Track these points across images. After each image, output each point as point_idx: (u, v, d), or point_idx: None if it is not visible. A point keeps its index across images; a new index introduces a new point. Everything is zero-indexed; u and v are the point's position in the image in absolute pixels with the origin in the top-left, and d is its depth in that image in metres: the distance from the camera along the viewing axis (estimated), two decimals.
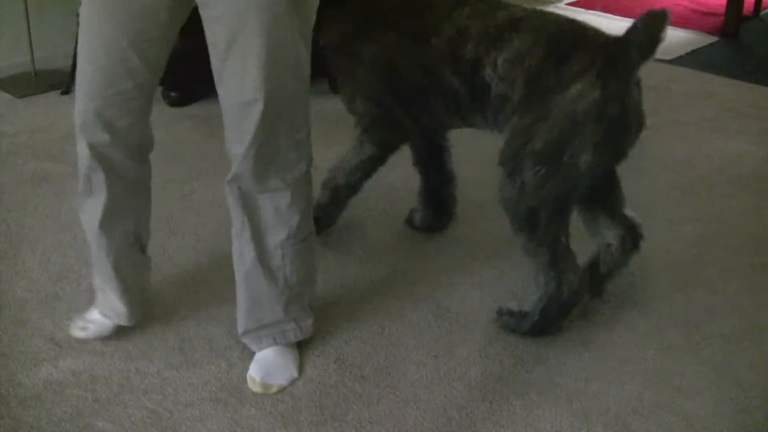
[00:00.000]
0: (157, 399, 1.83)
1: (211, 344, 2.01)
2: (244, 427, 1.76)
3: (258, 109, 1.67)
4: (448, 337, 2.06)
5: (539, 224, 1.91)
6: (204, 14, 1.67)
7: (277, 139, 1.72)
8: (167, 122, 3.22)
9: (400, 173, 2.60)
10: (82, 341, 1.99)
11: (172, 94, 3.39)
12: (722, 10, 4.72)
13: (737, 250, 2.48)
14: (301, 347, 1.99)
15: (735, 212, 2.70)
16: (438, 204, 2.48)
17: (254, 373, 1.89)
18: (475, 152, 3.09)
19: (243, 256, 1.84)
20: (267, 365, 1.90)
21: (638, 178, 2.89)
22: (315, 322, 2.03)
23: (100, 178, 1.79)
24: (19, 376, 1.88)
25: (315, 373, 1.92)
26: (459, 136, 3.21)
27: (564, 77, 1.80)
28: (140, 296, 2.01)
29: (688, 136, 3.30)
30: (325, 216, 2.34)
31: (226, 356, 1.97)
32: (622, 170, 2.90)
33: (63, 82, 3.64)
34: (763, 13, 5.03)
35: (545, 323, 2.02)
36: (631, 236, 2.14)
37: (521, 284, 2.27)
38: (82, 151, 1.78)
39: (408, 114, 2.17)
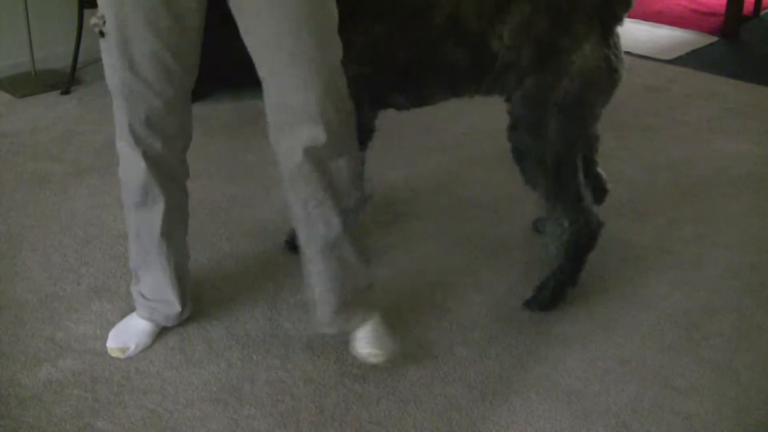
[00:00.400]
0: (157, 399, 1.83)
1: (211, 344, 2.01)
2: (244, 427, 1.76)
3: (321, 73, 1.69)
4: (448, 337, 2.06)
5: (565, 167, 2.07)
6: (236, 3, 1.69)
7: (340, 103, 1.76)
8: None
9: (401, 173, 2.60)
10: (83, 342, 2.00)
11: None
12: (722, 10, 4.72)
13: (737, 250, 2.48)
14: (301, 347, 2.00)
15: (735, 212, 2.70)
16: None
17: (373, 350, 1.90)
18: (474, 153, 3.09)
19: (329, 226, 1.82)
20: (379, 337, 1.92)
21: (638, 178, 2.89)
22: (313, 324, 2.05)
23: (157, 187, 1.85)
24: (19, 376, 1.89)
25: (315, 373, 1.92)
26: (458, 138, 3.22)
27: (573, 40, 1.98)
28: (190, 292, 2.05)
29: (688, 136, 3.29)
30: None
31: (226, 356, 1.97)
32: (623, 170, 2.91)
33: (63, 82, 3.64)
34: (763, 13, 5.03)
35: (577, 268, 2.15)
36: (600, 192, 2.44)
37: (521, 284, 2.27)
38: (136, 163, 1.81)
39: (389, 97, 2.18)
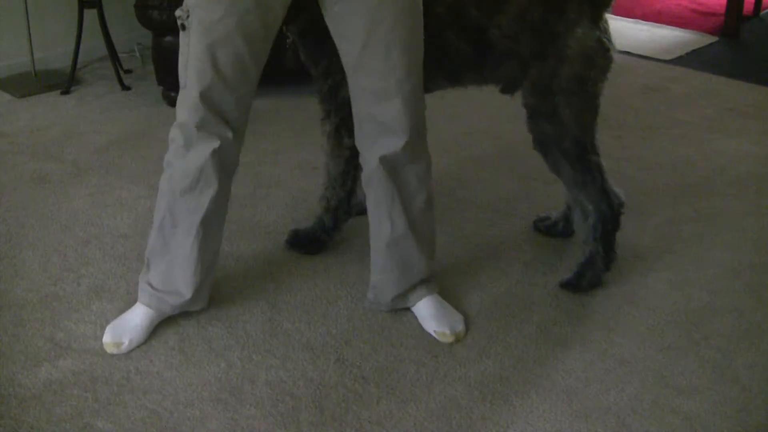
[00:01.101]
0: (157, 399, 1.83)
1: (211, 344, 2.01)
2: (244, 427, 1.76)
3: (407, 89, 1.86)
4: None
5: (586, 151, 2.15)
6: (334, 10, 1.80)
7: (418, 113, 1.93)
8: (167, 122, 3.21)
9: None
10: (83, 342, 2.00)
11: (173, 94, 3.39)
12: (722, 10, 4.73)
13: (737, 249, 2.48)
14: (301, 347, 2.00)
15: (735, 212, 2.70)
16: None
17: (438, 328, 2.04)
18: (473, 153, 3.09)
19: (394, 225, 2.01)
20: (440, 317, 2.06)
21: (638, 178, 2.89)
22: (313, 324, 2.05)
23: (214, 174, 1.90)
24: (19, 376, 1.88)
25: (315, 373, 1.92)
26: (457, 138, 3.22)
27: (567, 24, 2.05)
28: (208, 288, 2.08)
29: (688, 136, 3.30)
30: (330, 238, 2.40)
31: (226, 356, 1.97)
32: (623, 170, 2.91)
33: (63, 82, 3.64)
34: (763, 13, 5.03)
35: (609, 249, 2.23)
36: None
37: (521, 284, 2.27)
38: (198, 149, 1.87)
39: None
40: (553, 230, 2.51)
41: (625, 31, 4.57)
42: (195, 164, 1.88)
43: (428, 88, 2.20)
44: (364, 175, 2.03)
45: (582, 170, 2.15)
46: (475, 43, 2.08)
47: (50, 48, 3.82)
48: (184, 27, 1.78)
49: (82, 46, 3.66)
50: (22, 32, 3.63)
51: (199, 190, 1.91)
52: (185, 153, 1.89)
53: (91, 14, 3.62)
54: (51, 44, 3.82)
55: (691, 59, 4.24)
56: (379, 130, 1.93)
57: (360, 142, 2.00)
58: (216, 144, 1.87)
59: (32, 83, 3.65)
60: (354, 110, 1.97)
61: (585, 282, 2.23)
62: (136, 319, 2.00)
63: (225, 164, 1.92)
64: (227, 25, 1.74)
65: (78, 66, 3.68)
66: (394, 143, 1.92)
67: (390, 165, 1.95)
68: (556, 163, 2.17)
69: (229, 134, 1.88)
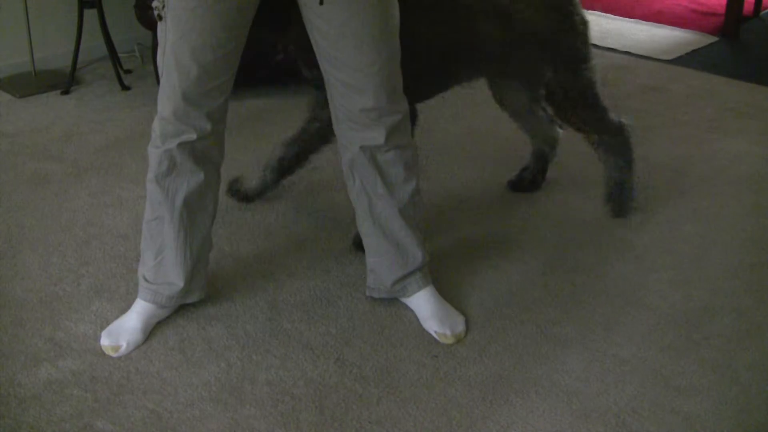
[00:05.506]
0: (157, 399, 1.83)
1: (211, 344, 2.01)
2: (244, 427, 1.76)
3: (382, 80, 1.85)
4: None
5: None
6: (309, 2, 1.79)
7: (397, 106, 1.92)
8: None
9: None
10: (83, 342, 2.00)
11: None
12: (722, 10, 4.72)
13: (737, 249, 2.48)
14: (301, 347, 2.00)
15: (735, 212, 2.70)
16: None
17: (439, 329, 2.04)
18: (474, 154, 3.09)
19: (380, 202, 2.03)
20: (441, 317, 2.07)
21: (638, 178, 2.89)
22: (313, 324, 2.05)
23: (189, 163, 1.90)
24: (19, 376, 1.89)
25: (315, 373, 1.92)
26: (458, 139, 3.22)
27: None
28: (204, 279, 2.10)
29: (688, 136, 3.29)
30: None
31: (226, 356, 1.97)
32: None
33: (63, 82, 3.64)
34: (763, 13, 5.03)
35: (631, 165, 2.70)
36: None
37: (521, 284, 2.27)
38: (175, 142, 1.87)
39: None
40: (521, 185, 2.77)
41: (625, 31, 4.56)
42: (170, 153, 1.89)
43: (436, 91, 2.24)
44: (346, 161, 2.01)
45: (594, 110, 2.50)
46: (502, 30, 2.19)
47: (50, 48, 3.82)
48: (161, 17, 1.79)
49: (82, 46, 3.65)
50: (22, 32, 3.63)
51: (175, 174, 1.91)
52: (162, 143, 1.89)
53: (91, 14, 3.62)
54: (51, 44, 3.82)
55: (691, 59, 4.24)
56: (356, 122, 1.92)
57: (338, 131, 1.99)
58: (192, 136, 1.87)
59: (32, 83, 3.65)
60: (330, 101, 1.96)
61: (622, 204, 2.60)
62: (132, 321, 2.01)
63: (204, 153, 1.92)
64: (202, 12, 1.73)
65: (78, 66, 3.68)
66: (373, 136, 1.93)
67: (371, 153, 1.96)
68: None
69: (208, 126, 1.87)
